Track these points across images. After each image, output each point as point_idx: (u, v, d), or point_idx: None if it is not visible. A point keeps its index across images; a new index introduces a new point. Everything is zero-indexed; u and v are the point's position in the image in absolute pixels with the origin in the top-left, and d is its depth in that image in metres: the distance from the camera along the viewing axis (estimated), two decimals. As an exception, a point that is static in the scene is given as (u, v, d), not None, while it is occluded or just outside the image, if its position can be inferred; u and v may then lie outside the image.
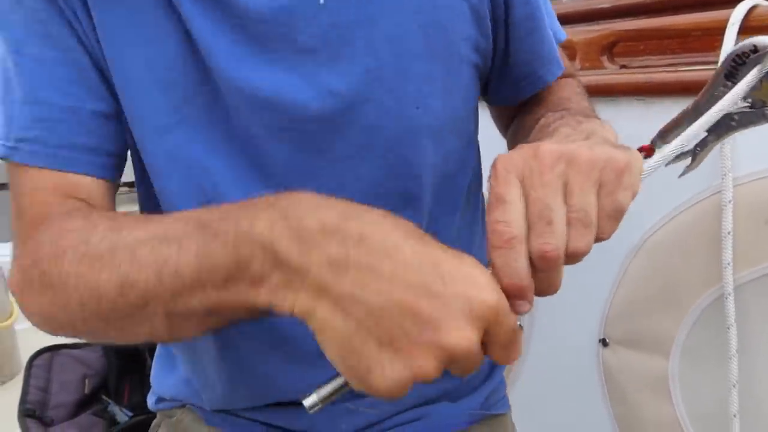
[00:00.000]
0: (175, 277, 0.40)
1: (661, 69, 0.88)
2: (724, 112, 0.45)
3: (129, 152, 0.60)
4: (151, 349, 1.56)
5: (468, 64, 0.60)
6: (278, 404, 0.65)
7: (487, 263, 0.39)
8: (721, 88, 0.46)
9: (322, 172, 0.56)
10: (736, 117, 0.47)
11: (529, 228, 0.38)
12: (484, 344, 0.36)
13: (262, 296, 0.38)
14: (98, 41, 0.53)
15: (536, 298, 0.41)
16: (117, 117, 0.56)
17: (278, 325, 0.59)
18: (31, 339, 2.23)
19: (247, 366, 0.63)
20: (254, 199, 0.41)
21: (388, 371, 0.34)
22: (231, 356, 0.63)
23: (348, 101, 0.54)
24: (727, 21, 0.79)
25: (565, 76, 0.70)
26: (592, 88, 0.75)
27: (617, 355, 0.96)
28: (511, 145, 0.71)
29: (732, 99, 0.45)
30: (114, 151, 0.56)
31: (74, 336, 0.53)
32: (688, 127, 0.45)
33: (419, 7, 0.55)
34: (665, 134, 0.46)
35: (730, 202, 0.78)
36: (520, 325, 0.39)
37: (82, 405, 1.48)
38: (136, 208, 0.65)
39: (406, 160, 0.58)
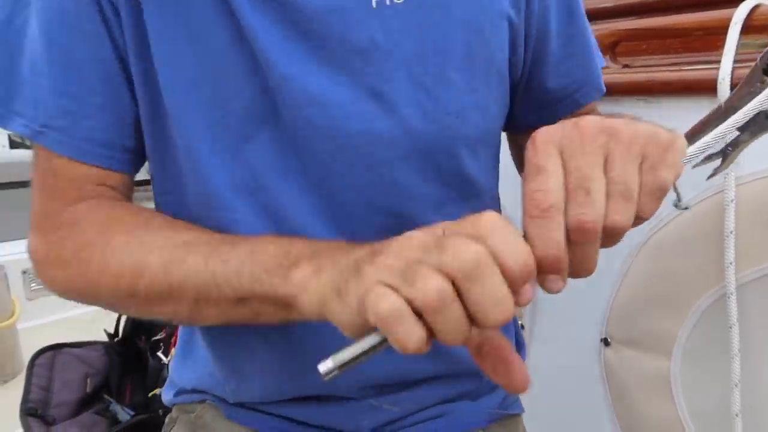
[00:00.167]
0: (222, 264, 0.47)
1: (663, 68, 0.88)
2: (760, 110, 0.44)
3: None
4: (153, 348, 1.57)
5: (505, 79, 0.61)
6: (302, 399, 0.65)
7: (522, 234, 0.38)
8: (758, 84, 0.44)
9: (358, 174, 0.56)
10: None
11: (567, 199, 0.37)
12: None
13: (293, 288, 0.44)
14: (139, 38, 0.54)
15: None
16: (137, 114, 0.57)
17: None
18: (33, 338, 2.25)
19: (278, 359, 0.63)
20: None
21: (392, 295, 0.36)
22: (265, 348, 0.63)
23: (391, 104, 0.55)
24: (729, 20, 0.79)
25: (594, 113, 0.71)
26: (594, 88, 0.75)
27: (619, 354, 0.96)
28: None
29: None
30: (133, 146, 0.58)
31: (91, 304, 0.57)
32: (718, 124, 0.44)
33: (465, 20, 0.56)
34: (694, 135, 0.46)
35: (732, 201, 0.78)
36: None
37: (84, 404, 1.48)
38: (151, 204, 0.66)
39: (441, 168, 0.58)
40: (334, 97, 0.54)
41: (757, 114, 0.44)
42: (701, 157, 0.44)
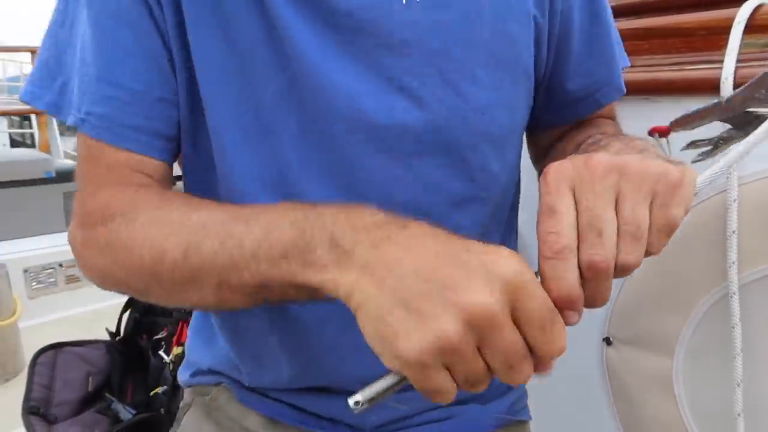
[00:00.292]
0: (238, 248, 0.45)
1: (665, 68, 0.88)
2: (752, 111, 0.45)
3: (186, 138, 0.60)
4: (155, 347, 1.57)
5: (530, 78, 0.62)
6: (313, 389, 0.66)
7: (536, 271, 0.39)
8: (764, 92, 0.45)
9: (382, 166, 0.57)
10: None
11: (579, 238, 0.38)
12: (520, 327, 0.37)
13: (312, 275, 0.42)
14: (179, 27, 0.55)
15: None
16: (177, 104, 0.58)
17: (324, 312, 0.60)
18: (35, 336, 2.25)
19: (287, 348, 0.64)
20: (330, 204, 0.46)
21: (413, 335, 0.35)
22: (275, 337, 0.63)
23: (417, 98, 0.55)
24: (732, 20, 0.79)
25: (610, 117, 0.72)
26: (597, 87, 0.75)
27: (621, 354, 0.96)
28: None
29: None
30: (173, 135, 0.59)
31: (126, 293, 0.58)
32: (714, 120, 0.44)
33: (493, 17, 0.57)
34: (690, 122, 0.46)
35: (735, 201, 0.78)
36: None
37: (86, 403, 1.49)
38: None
39: (466, 164, 0.59)
40: (361, 90, 0.54)
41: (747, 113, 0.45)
42: (707, 185, 0.44)
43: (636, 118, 0.87)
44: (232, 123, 0.56)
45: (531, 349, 0.37)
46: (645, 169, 0.39)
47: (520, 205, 0.73)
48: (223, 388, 0.72)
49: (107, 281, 0.56)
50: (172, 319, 1.58)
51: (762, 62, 0.78)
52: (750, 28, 0.79)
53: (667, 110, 0.87)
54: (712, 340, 0.85)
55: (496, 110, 0.59)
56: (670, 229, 0.40)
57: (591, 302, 0.40)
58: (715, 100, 0.46)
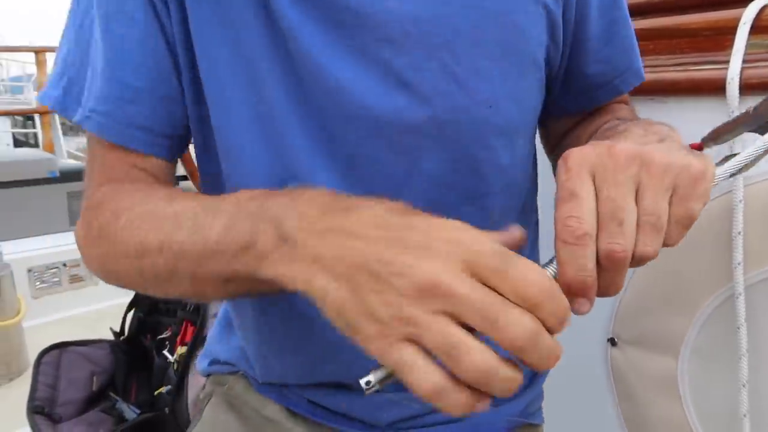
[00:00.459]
0: (203, 242, 0.46)
1: (671, 69, 0.88)
2: None
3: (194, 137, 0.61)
4: (158, 347, 1.57)
5: (540, 69, 0.60)
6: (324, 385, 0.66)
7: (552, 258, 0.39)
8: None
9: (388, 162, 0.56)
10: None
11: (599, 226, 0.38)
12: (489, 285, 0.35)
13: (267, 269, 0.42)
14: (183, 25, 0.55)
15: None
16: (182, 102, 0.58)
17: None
18: (38, 336, 2.26)
19: (296, 344, 0.64)
20: (284, 189, 0.46)
21: (374, 324, 0.35)
22: (292, 332, 0.64)
23: (421, 94, 0.54)
24: (738, 20, 0.79)
25: (623, 102, 0.71)
26: (602, 88, 0.75)
27: (626, 354, 0.96)
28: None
29: None
30: (175, 134, 0.60)
31: (125, 287, 0.59)
32: (745, 129, 0.44)
33: (498, 9, 0.55)
34: (719, 135, 0.45)
35: (740, 201, 0.78)
36: None
37: (90, 402, 1.49)
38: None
39: (474, 158, 0.58)
40: (364, 87, 0.54)
41: None
42: (738, 169, 0.44)
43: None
44: (238, 120, 0.56)
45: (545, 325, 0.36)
46: (668, 161, 0.39)
47: (539, 197, 0.72)
48: (239, 376, 0.73)
49: (105, 275, 0.57)
50: (176, 318, 1.58)
51: (768, 63, 0.78)
52: (756, 28, 0.78)
53: (673, 111, 0.87)
54: (718, 340, 0.85)
55: (503, 103, 0.57)
56: (689, 221, 0.40)
57: (604, 291, 0.40)
58: (743, 111, 0.46)
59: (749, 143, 0.44)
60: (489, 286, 0.35)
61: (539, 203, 0.74)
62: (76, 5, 0.59)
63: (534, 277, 0.35)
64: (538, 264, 0.37)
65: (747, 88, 0.77)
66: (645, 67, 0.93)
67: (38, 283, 2.73)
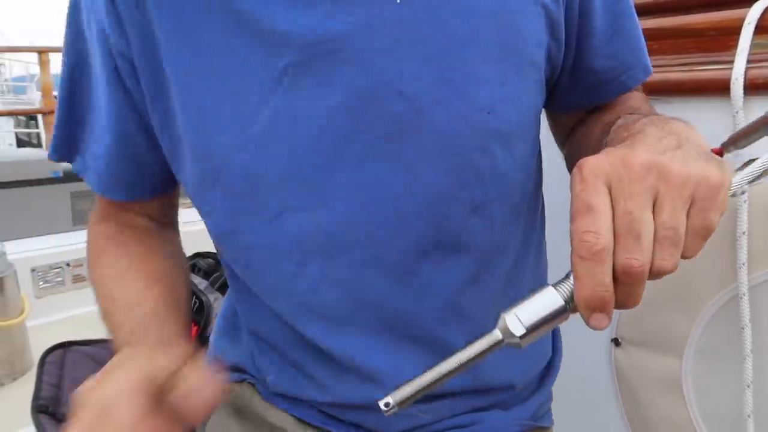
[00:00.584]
0: (111, 327, 0.61)
1: (675, 69, 0.87)
2: None
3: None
4: (162, 346, 1.58)
5: (539, 70, 0.59)
6: (338, 404, 0.66)
7: (568, 273, 0.38)
8: None
9: (390, 176, 0.55)
10: None
11: (615, 240, 0.37)
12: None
13: None
14: (160, 85, 0.57)
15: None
16: (153, 153, 0.63)
17: (332, 342, 0.62)
18: (42, 335, 2.26)
19: (304, 370, 0.65)
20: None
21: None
22: (301, 358, 0.65)
23: (418, 104, 0.53)
24: (742, 20, 0.79)
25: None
26: (607, 88, 0.75)
27: (630, 354, 0.96)
28: (574, 154, 0.69)
29: None
30: (153, 180, 0.66)
31: None
32: (765, 135, 0.43)
33: (494, 10, 0.54)
34: (738, 140, 0.45)
35: (745, 202, 0.78)
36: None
37: (95, 401, 1.49)
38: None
39: (475, 167, 0.56)
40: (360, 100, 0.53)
41: None
42: (757, 175, 0.43)
43: (646, 118, 0.87)
44: (225, 151, 0.56)
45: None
46: (686, 172, 0.38)
47: (546, 200, 0.71)
48: (246, 384, 0.72)
49: None
50: (179, 318, 1.58)
51: (773, 63, 0.77)
52: (760, 28, 0.78)
53: (677, 111, 0.87)
54: (722, 341, 0.85)
55: (501, 107, 0.56)
56: (707, 232, 0.39)
57: (622, 304, 0.39)
58: (748, 111, 0.46)
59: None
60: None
61: (546, 201, 0.74)
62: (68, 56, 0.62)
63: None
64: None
65: (751, 88, 0.77)
66: (649, 67, 0.94)
67: (42, 282, 2.73)
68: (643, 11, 0.92)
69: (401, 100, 0.53)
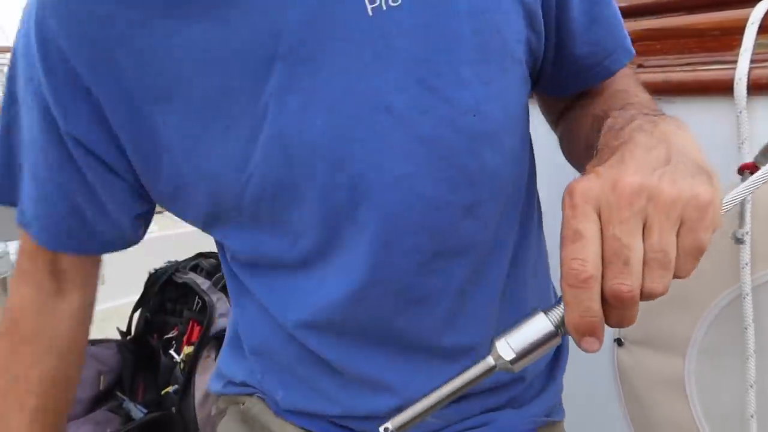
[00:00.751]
0: None
1: (678, 69, 0.87)
2: None
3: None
4: (165, 346, 1.58)
5: (521, 64, 0.58)
6: (349, 416, 0.67)
7: (559, 298, 0.39)
8: None
9: (381, 189, 0.54)
10: None
11: (604, 265, 0.37)
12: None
13: None
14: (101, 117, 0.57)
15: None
16: (95, 208, 0.62)
17: (338, 355, 0.62)
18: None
19: (312, 385, 0.66)
20: None
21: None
22: (300, 374, 0.66)
23: (401, 115, 0.52)
24: (746, 20, 0.79)
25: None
26: (609, 88, 0.74)
27: (632, 354, 0.96)
28: (567, 145, 0.69)
29: None
30: (90, 236, 0.64)
31: None
32: None
33: (472, 10, 0.53)
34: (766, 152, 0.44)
35: (748, 202, 0.78)
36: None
37: (98, 401, 1.49)
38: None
39: (465, 170, 0.56)
40: (345, 119, 0.53)
41: None
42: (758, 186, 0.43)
43: (648, 118, 0.87)
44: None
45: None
46: (675, 193, 0.38)
47: (539, 196, 0.71)
48: (256, 398, 0.73)
49: None
50: (182, 318, 1.58)
51: (776, 63, 0.77)
52: (764, 28, 0.78)
53: (680, 112, 0.87)
54: (725, 341, 0.85)
55: (487, 107, 0.55)
56: (699, 252, 0.39)
57: (617, 325, 0.40)
58: (751, 111, 0.45)
59: None
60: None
61: (541, 194, 0.73)
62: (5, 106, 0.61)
63: None
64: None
65: (755, 88, 0.77)
66: (653, 67, 0.94)
67: (45, 282, 2.73)
68: (647, 11, 0.93)
69: (388, 114, 0.52)
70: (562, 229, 0.39)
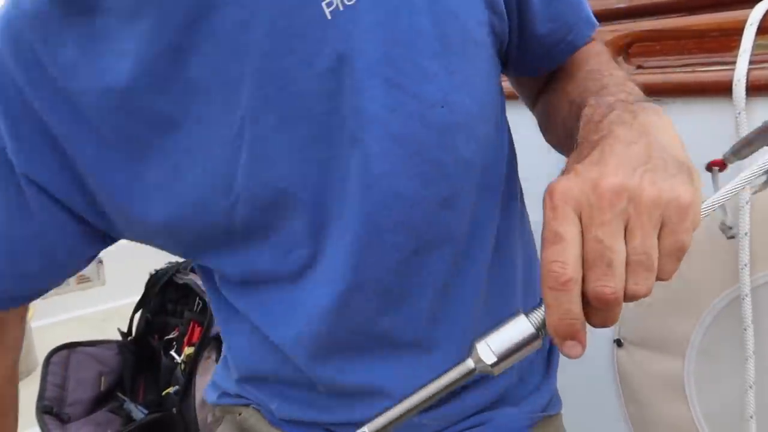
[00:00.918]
0: None
1: (677, 70, 0.87)
2: None
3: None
4: (166, 347, 1.58)
5: (486, 48, 0.57)
6: (343, 423, 0.67)
7: (541, 300, 0.39)
8: None
9: (360, 192, 0.54)
10: None
11: (586, 267, 0.37)
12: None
13: None
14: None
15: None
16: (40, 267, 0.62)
17: (325, 370, 0.63)
18: (47, 336, 2.26)
19: (304, 396, 0.66)
20: None
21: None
22: (293, 391, 0.66)
23: (370, 116, 0.52)
24: (745, 21, 0.79)
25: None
26: (608, 89, 0.74)
27: (632, 355, 0.96)
28: (546, 129, 0.68)
29: None
30: (28, 291, 0.65)
31: None
32: (765, 143, 0.43)
33: (428, 1, 0.52)
34: (740, 150, 0.44)
35: (747, 203, 0.78)
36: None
37: (99, 402, 1.50)
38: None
39: (440, 164, 0.55)
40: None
41: None
42: (717, 206, 0.43)
43: (647, 120, 0.87)
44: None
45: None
46: (656, 194, 0.37)
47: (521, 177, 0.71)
48: (252, 409, 0.73)
49: None
50: (183, 319, 1.58)
51: (775, 64, 0.77)
52: (762, 29, 0.78)
53: (679, 113, 0.87)
54: (724, 341, 0.85)
55: (454, 97, 0.54)
56: (680, 253, 0.38)
57: (600, 325, 0.39)
58: (750, 113, 0.46)
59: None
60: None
61: (524, 185, 0.72)
62: None
63: None
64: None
65: (754, 89, 0.77)
66: (652, 68, 0.94)
67: (46, 283, 2.74)
68: (645, 12, 0.93)
69: (358, 116, 0.52)
70: (542, 230, 0.39)
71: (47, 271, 0.63)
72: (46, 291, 0.67)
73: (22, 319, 0.71)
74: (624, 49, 0.95)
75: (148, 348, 1.62)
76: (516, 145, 0.69)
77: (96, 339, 1.59)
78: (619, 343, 0.97)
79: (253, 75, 0.51)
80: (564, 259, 0.37)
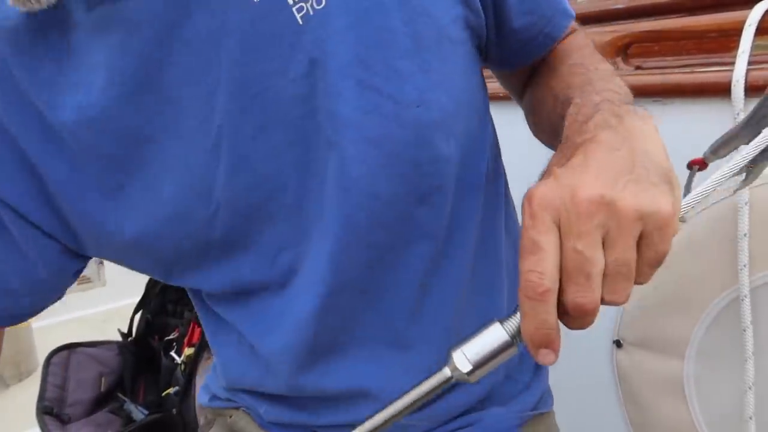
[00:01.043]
0: None
1: (676, 70, 0.88)
2: None
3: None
4: (166, 348, 1.58)
5: (462, 44, 0.56)
6: (333, 425, 0.67)
7: (516, 307, 0.39)
8: None
9: (339, 194, 0.54)
10: None
11: (565, 278, 0.37)
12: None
13: None
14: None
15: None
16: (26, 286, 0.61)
17: (309, 379, 0.63)
18: (47, 337, 2.26)
19: (293, 402, 0.66)
20: None
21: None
22: (280, 399, 0.66)
23: (345, 119, 0.51)
24: (743, 22, 0.79)
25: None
26: (607, 90, 0.74)
27: (631, 356, 0.96)
28: (534, 123, 0.68)
29: None
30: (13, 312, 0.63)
31: None
32: (742, 141, 0.44)
33: (401, 1, 0.51)
34: (719, 150, 0.45)
35: (746, 203, 0.78)
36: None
37: (99, 403, 1.50)
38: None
39: (417, 163, 0.54)
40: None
41: None
42: (695, 205, 0.43)
43: (646, 120, 0.87)
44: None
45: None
46: (637, 207, 0.37)
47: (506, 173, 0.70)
48: (242, 411, 0.73)
49: None
50: (183, 320, 1.59)
51: (773, 65, 0.78)
52: (761, 30, 0.78)
53: (678, 113, 0.87)
54: (723, 342, 0.85)
55: (431, 95, 0.53)
56: (658, 262, 0.39)
57: (576, 329, 0.39)
58: (736, 122, 0.46)
59: None
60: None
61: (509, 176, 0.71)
62: None
63: None
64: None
65: (752, 89, 0.77)
66: (651, 68, 0.94)
67: (47, 284, 2.74)
68: (644, 13, 0.93)
69: (333, 120, 0.51)
70: (521, 237, 0.39)
71: (29, 288, 0.62)
72: (41, 308, 0.66)
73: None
74: (623, 50, 0.95)
75: (148, 349, 1.62)
76: (515, 146, 0.69)
77: (96, 340, 1.60)
78: (618, 343, 0.97)
79: (227, 83, 0.50)
80: (542, 270, 0.37)
